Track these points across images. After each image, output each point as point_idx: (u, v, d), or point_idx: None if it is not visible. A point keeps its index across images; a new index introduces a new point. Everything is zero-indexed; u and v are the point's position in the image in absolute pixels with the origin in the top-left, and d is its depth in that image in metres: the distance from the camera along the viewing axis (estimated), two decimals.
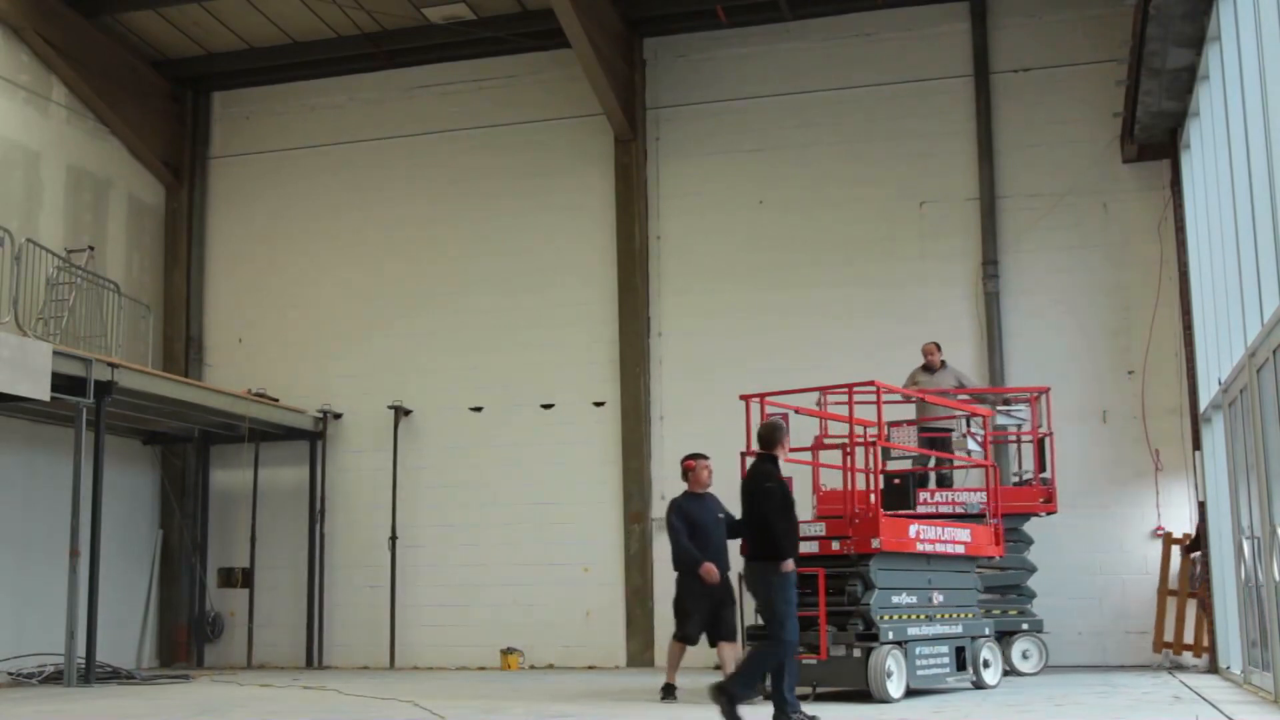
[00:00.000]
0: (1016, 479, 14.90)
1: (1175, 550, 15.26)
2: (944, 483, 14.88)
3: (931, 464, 14.63)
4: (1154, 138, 15.34)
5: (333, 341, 18.83)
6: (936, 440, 14.62)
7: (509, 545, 17.51)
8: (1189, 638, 14.90)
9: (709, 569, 11.21)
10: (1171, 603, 15.06)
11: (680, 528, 11.47)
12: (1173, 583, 15.13)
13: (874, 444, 11.72)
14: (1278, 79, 9.17)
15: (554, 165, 18.28)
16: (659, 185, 17.88)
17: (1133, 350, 15.95)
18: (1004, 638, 13.55)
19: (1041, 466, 14.48)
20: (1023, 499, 14.32)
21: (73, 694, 12.91)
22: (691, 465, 11.86)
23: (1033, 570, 14.24)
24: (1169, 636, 14.97)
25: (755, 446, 9.77)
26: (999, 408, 14.96)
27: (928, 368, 15.02)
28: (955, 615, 11.94)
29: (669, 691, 11.30)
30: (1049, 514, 14.30)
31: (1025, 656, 13.85)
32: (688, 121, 17.90)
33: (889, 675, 10.59)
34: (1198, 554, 14.76)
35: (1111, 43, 15.46)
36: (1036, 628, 13.97)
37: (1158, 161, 15.93)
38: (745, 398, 12.66)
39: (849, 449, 12.07)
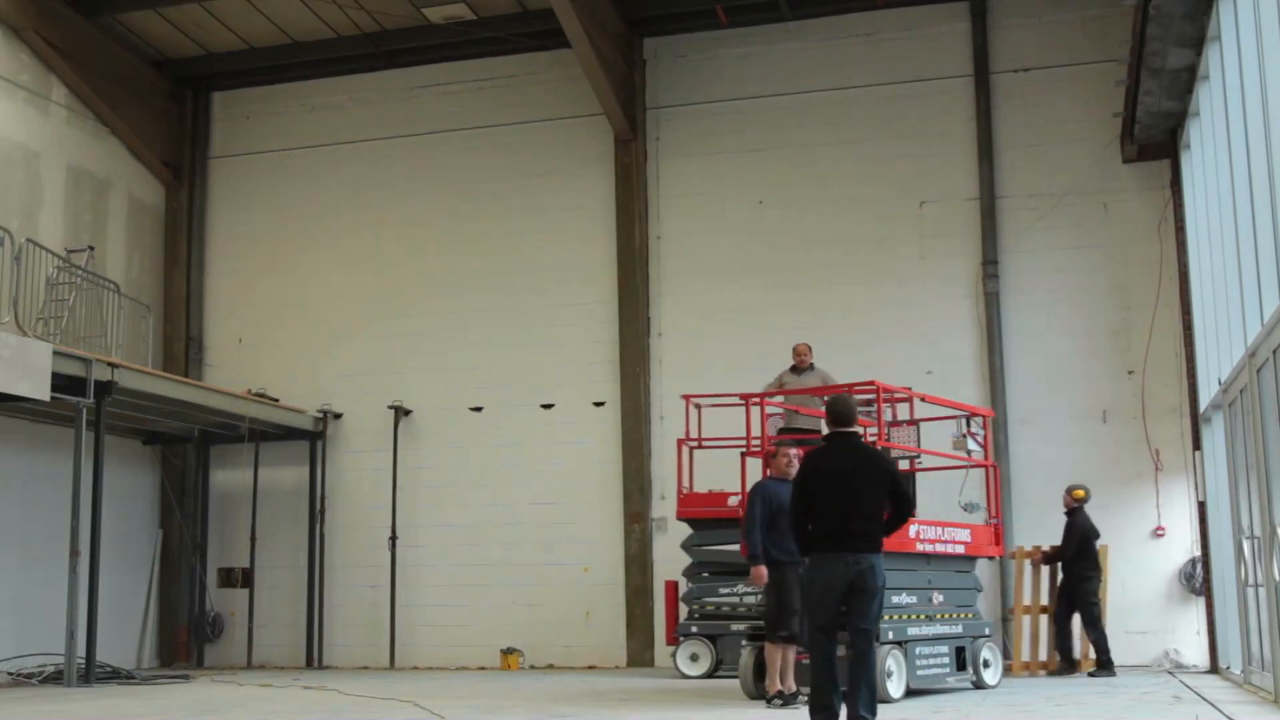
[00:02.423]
0: None
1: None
2: None
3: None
4: (1154, 138, 15.35)
5: (333, 341, 18.82)
6: (806, 444, 14.41)
7: (509, 545, 17.51)
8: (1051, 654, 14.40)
9: (759, 573, 10.28)
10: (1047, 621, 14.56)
11: (758, 517, 10.32)
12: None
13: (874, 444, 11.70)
14: (1278, 79, 9.17)
15: (554, 165, 18.27)
16: (659, 185, 17.88)
17: (1133, 350, 15.95)
18: None
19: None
20: None
21: (73, 694, 12.90)
22: (774, 450, 10.82)
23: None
24: (1026, 656, 14.41)
25: (830, 424, 8.23)
26: (861, 409, 14.33)
27: (796, 368, 14.76)
28: (955, 615, 11.94)
29: (789, 700, 10.15)
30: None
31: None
32: (688, 121, 17.89)
33: (889, 675, 10.57)
34: (1045, 567, 14.43)
35: (1111, 43, 15.45)
36: None
37: (1158, 161, 15.93)
38: (745, 397, 12.68)
39: None
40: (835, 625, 7.82)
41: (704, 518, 14.24)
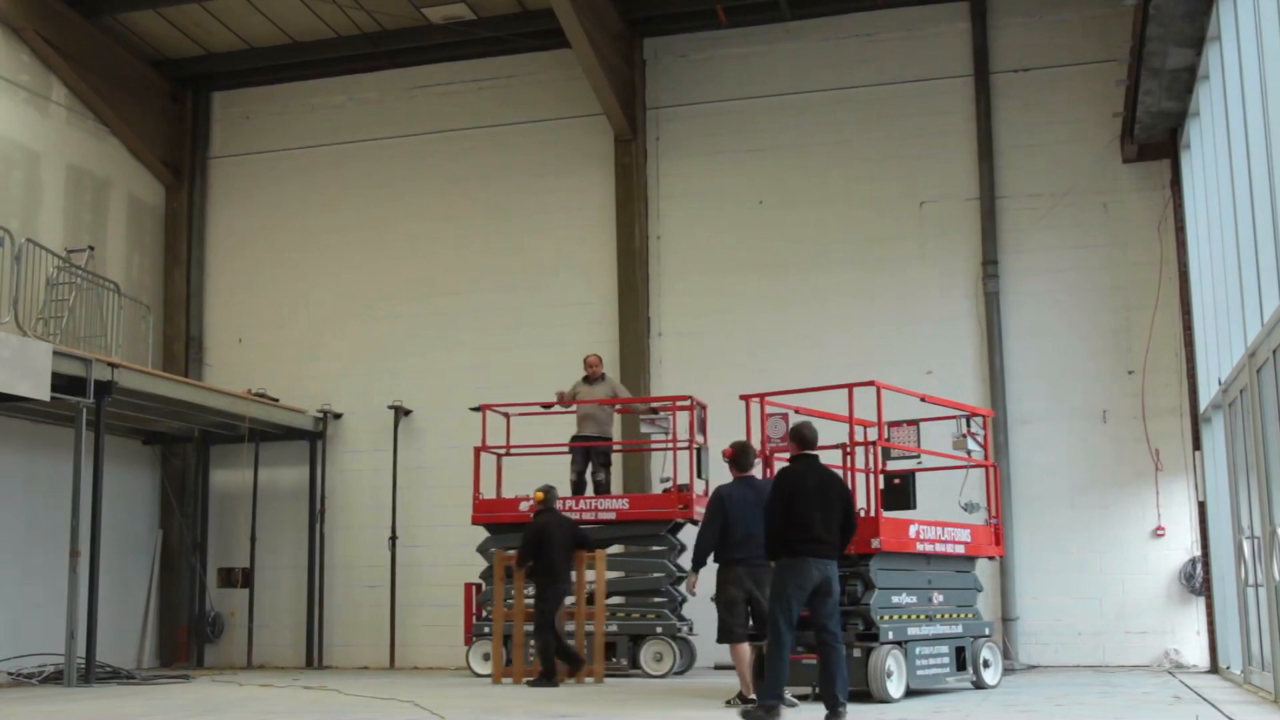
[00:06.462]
0: (666, 485, 14.62)
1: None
2: (601, 489, 15.09)
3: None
4: (1154, 138, 15.35)
5: (333, 341, 18.83)
6: (596, 450, 15.16)
7: None
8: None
9: (690, 582, 10.48)
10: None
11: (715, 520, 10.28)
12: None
13: (874, 444, 11.71)
14: (1278, 79, 9.17)
15: (554, 165, 18.28)
16: (659, 185, 17.88)
17: (1133, 350, 15.95)
18: (637, 640, 14.16)
19: (699, 473, 14.29)
20: (660, 505, 14.55)
21: (73, 694, 12.90)
22: (731, 453, 10.70)
23: (676, 576, 14.22)
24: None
25: (797, 447, 9.25)
26: (643, 417, 15.23)
27: (588, 379, 15.46)
28: (955, 615, 11.94)
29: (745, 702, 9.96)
30: (687, 520, 14.15)
31: (658, 659, 14.16)
32: (688, 121, 17.89)
33: (889, 675, 10.58)
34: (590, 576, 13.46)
35: (1111, 43, 15.45)
36: (671, 631, 14.14)
37: (1158, 161, 15.94)
38: (745, 397, 12.68)
39: (849, 449, 12.07)
40: (796, 622, 8.94)
41: (498, 522, 14.87)
